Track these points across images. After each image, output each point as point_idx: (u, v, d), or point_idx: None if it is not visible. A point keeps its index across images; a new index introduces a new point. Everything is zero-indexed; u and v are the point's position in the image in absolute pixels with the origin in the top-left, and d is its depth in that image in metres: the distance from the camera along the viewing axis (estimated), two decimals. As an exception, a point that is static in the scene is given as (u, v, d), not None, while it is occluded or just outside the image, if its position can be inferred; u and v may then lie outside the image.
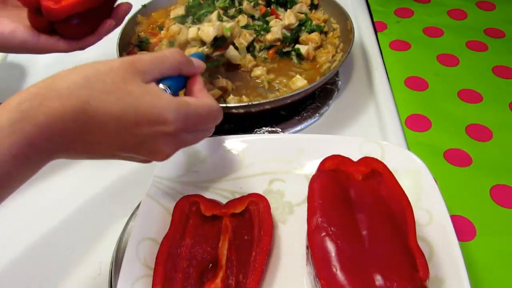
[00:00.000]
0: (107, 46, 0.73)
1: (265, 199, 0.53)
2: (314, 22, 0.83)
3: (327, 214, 0.46)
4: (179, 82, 0.48)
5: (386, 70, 0.82)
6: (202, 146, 0.59)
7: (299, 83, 0.72)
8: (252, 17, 0.83)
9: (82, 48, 0.63)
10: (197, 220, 0.52)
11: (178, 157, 0.58)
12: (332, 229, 0.45)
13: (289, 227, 0.53)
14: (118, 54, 0.75)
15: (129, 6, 0.65)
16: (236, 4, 0.85)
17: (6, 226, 0.61)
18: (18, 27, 0.58)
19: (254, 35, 0.80)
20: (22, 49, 0.60)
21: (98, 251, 0.56)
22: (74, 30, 0.60)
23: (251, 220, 0.52)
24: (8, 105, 0.37)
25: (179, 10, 0.87)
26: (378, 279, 0.41)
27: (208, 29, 0.70)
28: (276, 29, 0.80)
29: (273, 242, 0.51)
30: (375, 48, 0.87)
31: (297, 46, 0.79)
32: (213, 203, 0.54)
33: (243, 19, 0.82)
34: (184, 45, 0.74)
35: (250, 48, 0.80)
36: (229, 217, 0.52)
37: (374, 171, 0.52)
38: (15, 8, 0.61)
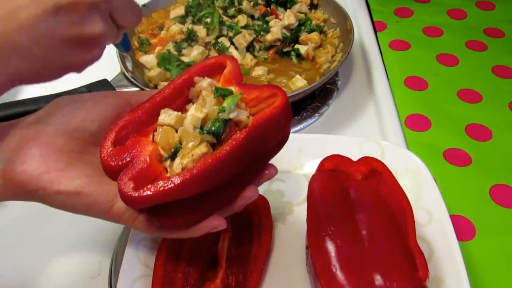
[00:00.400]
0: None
1: (265, 199, 0.53)
2: (313, 22, 0.84)
3: (327, 214, 0.46)
4: None
5: (385, 70, 0.82)
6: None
7: (299, 83, 0.72)
8: (252, 17, 0.84)
9: (166, 236, 0.46)
10: None
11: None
12: (332, 229, 0.45)
13: (289, 227, 0.53)
14: (119, 58, 0.75)
15: (251, 196, 0.42)
16: (236, 4, 0.85)
17: (5, 226, 0.61)
18: (85, 187, 0.40)
19: (254, 35, 0.80)
20: (85, 212, 0.41)
21: (98, 251, 0.56)
22: (160, 221, 0.40)
23: (251, 219, 0.52)
24: None
25: (179, 10, 0.87)
26: (378, 279, 0.41)
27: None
28: (276, 30, 0.80)
29: (273, 241, 0.51)
30: (375, 48, 0.87)
31: (296, 46, 0.79)
32: None
33: (242, 19, 0.82)
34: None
35: (250, 48, 0.80)
36: (229, 217, 0.52)
37: (374, 171, 0.52)
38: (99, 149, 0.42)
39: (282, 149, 0.55)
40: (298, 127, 0.72)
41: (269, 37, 0.80)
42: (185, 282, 0.47)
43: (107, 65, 0.65)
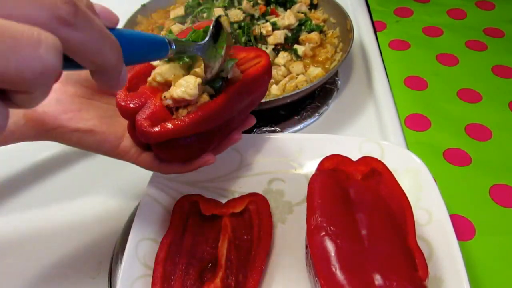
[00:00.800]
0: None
1: (265, 198, 0.53)
2: (313, 22, 0.84)
3: (326, 214, 0.46)
4: None
5: (385, 69, 0.82)
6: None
7: (315, 71, 0.73)
8: (252, 16, 0.84)
9: (165, 173, 0.53)
10: (197, 219, 0.52)
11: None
12: (332, 228, 0.45)
13: (289, 227, 0.53)
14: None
15: (236, 139, 0.53)
16: (236, 3, 0.85)
17: (5, 226, 0.61)
18: (97, 125, 0.47)
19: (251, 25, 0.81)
20: (95, 150, 0.48)
21: (97, 251, 0.56)
22: (166, 154, 0.47)
23: (250, 219, 0.52)
24: None
25: (179, 11, 0.87)
26: (378, 279, 0.41)
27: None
28: (279, 33, 0.80)
29: (273, 241, 0.51)
30: (375, 48, 0.87)
31: (295, 46, 0.79)
32: (213, 202, 0.54)
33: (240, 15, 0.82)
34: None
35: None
36: (228, 217, 0.52)
37: (374, 171, 0.52)
38: (110, 98, 0.50)
39: (282, 149, 0.55)
40: (298, 127, 0.72)
41: (271, 40, 0.80)
42: (185, 282, 0.47)
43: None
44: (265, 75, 0.50)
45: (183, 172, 0.50)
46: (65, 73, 0.45)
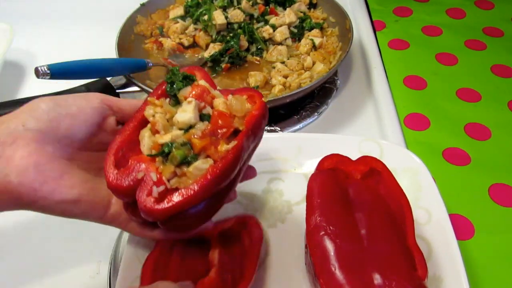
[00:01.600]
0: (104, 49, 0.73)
1: (252, 216, 0.52)
2: (313, 21, 0.84)
3: (326, 213, 0.46)
4: None
5: (385, 69, 0.82)
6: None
7: (318, 67, 0.75)
8: (251, 16, 0.84)
9: (159, 239, 0.48)
10: (184, 241, 0.49)
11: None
12: (331, 228, 0.45)
13: (288, 226, 0.53)
14: (117, 51, 0.75)
15: (235, 197, 0.49)
16: (235, 3, 0.85)
17: (5, 226, 0.61)
18: (83, 194, 0.41)
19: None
20: (81, 218, 0.43)
21: (97, 251, 0.56)
22: (173, 226, 0.42)
23: (239, 233, 0.50)
24: None
25: (178, 10, 0.87)
26: (377, 278, 0.41)
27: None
28: (283, 29, 0.81)
29: (272, 241, 0.51)
30: (374, 47, 0.87)
31: (311, 37, 0.81)
32: None
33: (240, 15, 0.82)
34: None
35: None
36: (216, 237, 0.49)
37: (373, 170, 0.52)
38: (92, 154, 0.45)
39: (282, 148, 0.54)
40: (297, 127, 0.72)
41: (278, 37, 0.80)
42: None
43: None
44: (262, 119, 0.45)
45: (182, 238, 0.46)
46: (43, 128, 0.40)
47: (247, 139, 0.42)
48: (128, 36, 0.82)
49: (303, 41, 0.81)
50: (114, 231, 0.57)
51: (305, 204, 0.49)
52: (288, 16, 0.82)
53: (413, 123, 0.72)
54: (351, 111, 0.75)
